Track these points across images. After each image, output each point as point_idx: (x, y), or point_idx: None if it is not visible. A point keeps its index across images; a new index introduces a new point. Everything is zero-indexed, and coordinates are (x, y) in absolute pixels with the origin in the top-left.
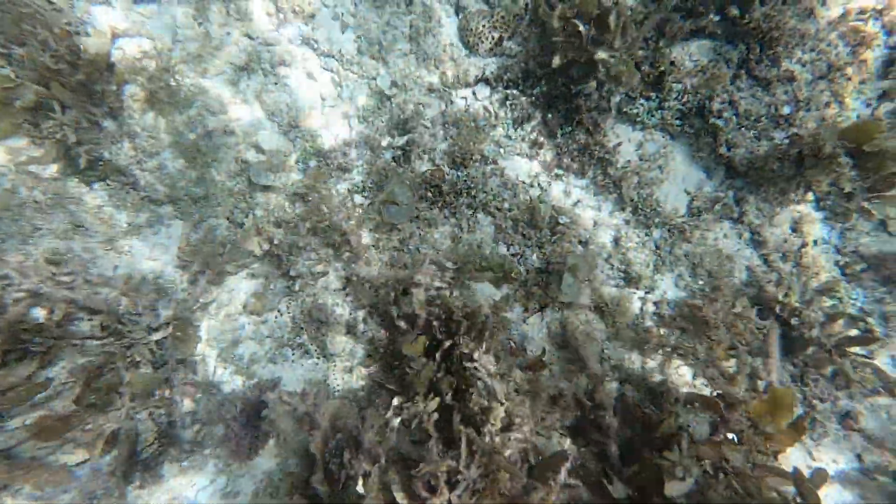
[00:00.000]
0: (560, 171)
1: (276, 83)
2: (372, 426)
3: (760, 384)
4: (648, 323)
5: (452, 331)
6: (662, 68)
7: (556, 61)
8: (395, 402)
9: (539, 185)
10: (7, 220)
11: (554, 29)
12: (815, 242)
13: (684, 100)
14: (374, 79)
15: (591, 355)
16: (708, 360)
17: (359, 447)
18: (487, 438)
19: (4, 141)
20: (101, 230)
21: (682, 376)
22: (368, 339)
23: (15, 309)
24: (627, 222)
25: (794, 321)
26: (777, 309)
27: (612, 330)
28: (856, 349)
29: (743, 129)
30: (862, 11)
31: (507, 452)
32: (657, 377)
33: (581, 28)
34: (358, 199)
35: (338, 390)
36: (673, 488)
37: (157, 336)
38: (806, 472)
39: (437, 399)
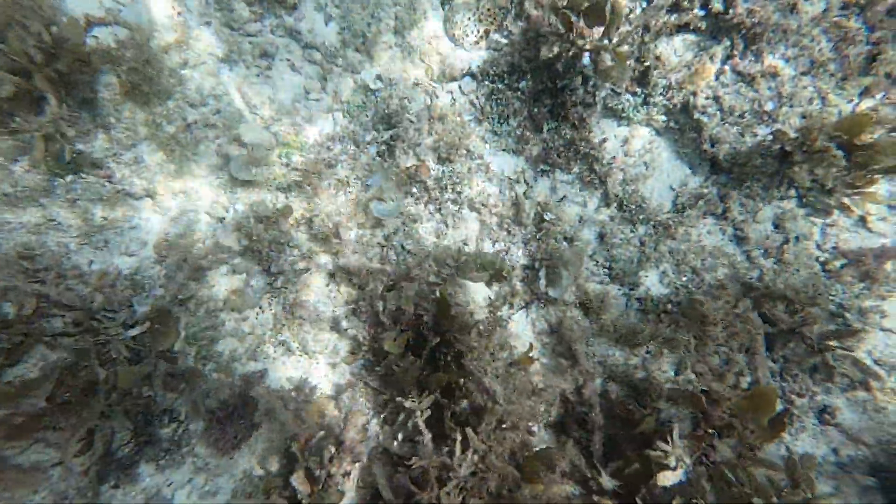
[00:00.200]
0: (546, 167)
1: (258, 75)
2: (355, 425)
3: (744, 381)
4: (639, 316)
5: (443, 328)
6: (648, 63)
7: (544, 53)
8: (380, 399)
9: (525, 180)
10: None
11: (543, 23)
12: (797, 238)
13: (669, 95)
14: (359, 72)
15: (583, 351)
16: (699, 354)
17: (340, 445)
18: (481, 437)
19: None
20: (76, 224)
21: (665, 372)
22: (352, 335)
23: None
24: (612, 218)
25: (775, 317)
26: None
27: (597, 326)
28: (836, 343)
29: (727, 124)
30: (844, 6)
31: (501, 451)
32: (640, 373)
33: (573, 20)
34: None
35: (320, 388)
36: (666, 478)
37: (134, 332)
38: None
39: (432, 397)
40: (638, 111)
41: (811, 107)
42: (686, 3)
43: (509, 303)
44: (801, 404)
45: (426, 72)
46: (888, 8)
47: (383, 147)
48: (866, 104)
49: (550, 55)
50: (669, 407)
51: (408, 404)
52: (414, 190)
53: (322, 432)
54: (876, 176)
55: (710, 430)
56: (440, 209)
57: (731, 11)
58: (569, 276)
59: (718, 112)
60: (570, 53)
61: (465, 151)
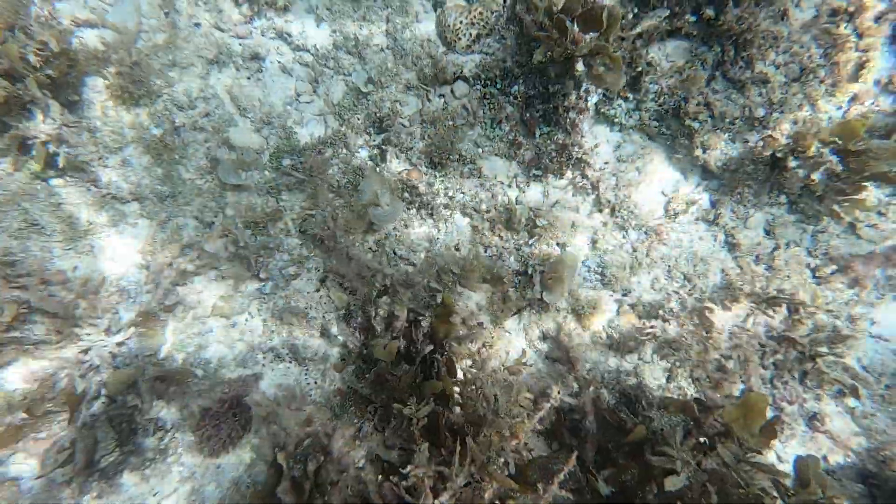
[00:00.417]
0: (538, 172)
1: (248, 77)
2: (343, 435)
3: (736, 389)
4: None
5: (441, 335)
6: (640, 69)
7: (537, 57)
8: (370, 406)
9: (517, 185)
10: None
11: (535, 27)
12: (787, 245)
13: (661, 101)
14: (350, 75)
15: (580, 358)
16: (699, 361)
17: (328, 455)
18: (480, 447)
19: None
20: (60, 229)
21: (657, 379)
22: (342, 342)
23: None
24: (605, 224)
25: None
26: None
27: (591, 331)
28: (826, 349)
29: (718, 130)
30: (833, 14)
31: (499, 461)
32: (632, 380)
33: (567, 24)
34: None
35: (310, 395)
36: (672, 483)
37: (119, 337)
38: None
39: (430, 405)
40: (630, 116)
41: (801, 113)
42: (678, 8)
43: (502, 308)
44: (791, 411)
45: (418, 75)
46: (876, 15)
47: (375, 151)
48: (855, 111)
49: (543, 59)
50: (661, 416)
51: (406, 412)
52: (406, 195)
53: (308, 440)
54: (864, 183)
55: (702, 438)
56: (432, 214)
57: (721, 18)
58: (564, 282)
59: (710, 118)
60: (564, 58)
61: (457, 156)
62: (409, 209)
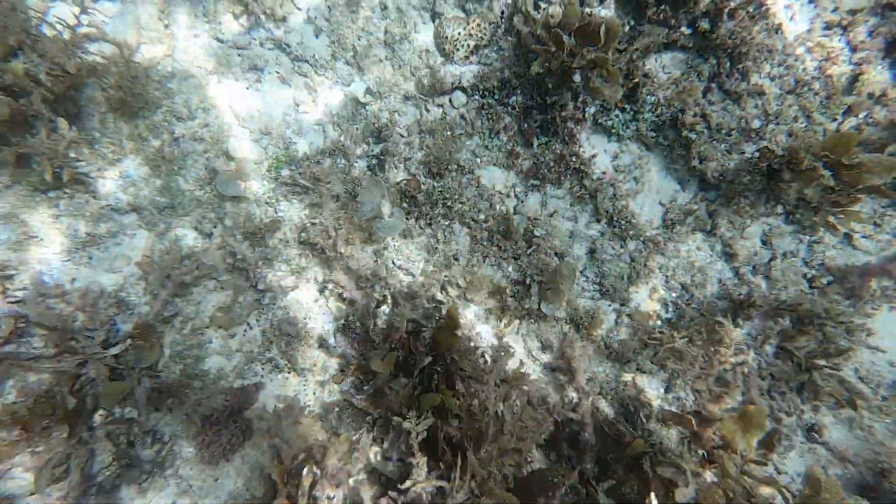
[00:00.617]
0: (536, 182)
1: (247, 88)
2: (336, 451)
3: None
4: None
5: (443, 348)
6: (637, 80)
7: (535, 69)
8: (368, 419)
9: (515, 195)
10: None
11: (532, 40)
12: (784, 255)
13: (658, 112)
14: (349, 85)
15: (581, 370)
16: (703, 373)
17: (323, 470)
18: (481, 462)
19: None
20: (58, 241)
21: (656, 389)
22: (340, 353)
23: None
24: (603, 234)
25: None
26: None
27: (589, 339)
28: (823, 362)
29: (715, 141)
30: (827, 27)
31: (500, 477)
32: (631, 390)
33: (564, 38)
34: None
35: (309, 406)
36: (682, 494)
37: (115, 350)
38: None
39: (430, 419)
40: (627, 127)
41: (796, 125)
42: (674, 21)
43: (499, 318)
44: (788, 423)
45: (416, 85)
46: (870, 29)
47: (374, 161)
48: (849, 123)
49: (541, 71)
50: (660, 428)
51: (406, 425)
52: (405, 204)
53: (303, 455)
54: (860, 195)
55: (700, 451)
56: (431, 224)
57: (717, 31)
58: (562, 293)
59: (706, 129)
60: (561, 70)
61: (455, 166)
62: (407, 219)
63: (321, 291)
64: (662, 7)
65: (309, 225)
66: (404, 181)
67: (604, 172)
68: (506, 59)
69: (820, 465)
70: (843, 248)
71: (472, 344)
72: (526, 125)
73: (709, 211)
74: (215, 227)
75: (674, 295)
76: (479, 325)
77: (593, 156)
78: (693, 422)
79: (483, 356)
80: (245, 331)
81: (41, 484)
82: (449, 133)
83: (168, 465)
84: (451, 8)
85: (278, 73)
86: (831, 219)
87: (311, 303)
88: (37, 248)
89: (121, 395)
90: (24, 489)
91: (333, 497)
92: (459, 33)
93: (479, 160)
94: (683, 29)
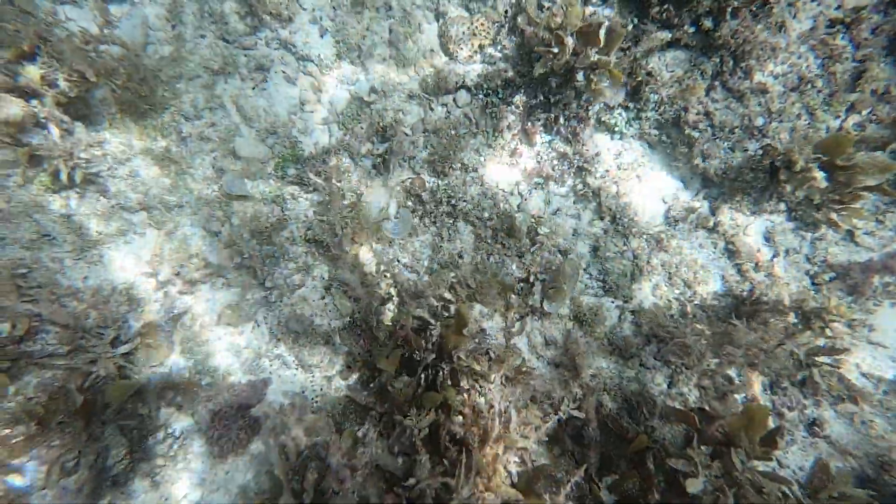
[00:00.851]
0: (540, 180)
1: (253, 88)
2: (339, 448)
3: (738, 398)
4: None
5: (450, 346)
6: (640, 79)
7: (538, 71)
8: (372, 415)
9: (519, 193)
10: None
11: (535, 40)
12: (787, 252)
13: (661, 110)
14: (354, 84)
15: (586, 366)
16: (712, 371)
17: (327, 468)
18: (486, 460)
19: None
20: (70, 239)
21: (659, 385)
22: (346, 350)
23: None
24: (606, 231)
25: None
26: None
27: (591, 336)
28: (823, 359)
29: (718, 139)
30: (831, 24)
31: (504, 474)
32: (634, 385)
33: (567, 40)
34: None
35: (316, 402)
36: (693, 485)
37: (124, 349)
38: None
39: (431, 415)
40: (630, 125)
41: (800, 122)
42: (677, 20)
43: (504, 315)
44: (790, 417)
45: (420, 84)
46: (873, 27)
47: (378, 160)
48: (853, 120)
49: (544, 72)
50: (662, 425)
51: (407, 423)
52: (409, 203)
53: (308, 451)
54: (862, 193)
55: (703, 447)
56: (435, 222)
57: (720, 29)
58: (565, 292)
59: (709, 127)
60: (565, 70)
61: (459, 164)
62: (412, 217)
63: (327, 289)
64: (666, 6)
65: (315, 223)
66: (409, 180)
67: (607, 170)
68: (509, 58)
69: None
70: (845, 245)
71: (478, 342)
72: (529, 124)
73: (711, 208)
74: (223, 225)
75: (676, 292)
76: (484, 322)
77: (596, 154)
78: (696, 419)
79: (488, 353)
80: (253, 328)
81: (51, 479)
82: (453, 132)
83: (180, 458)
84: (455, 7)
85: (284, 72)
86: (833, 216)
87: (318, 300)
88: (50, 246)
89: (127, 393)
90: (40, 482)
91: (339, 492)
92: (463, 33)
93: (483, 158)
94: (686, 27)
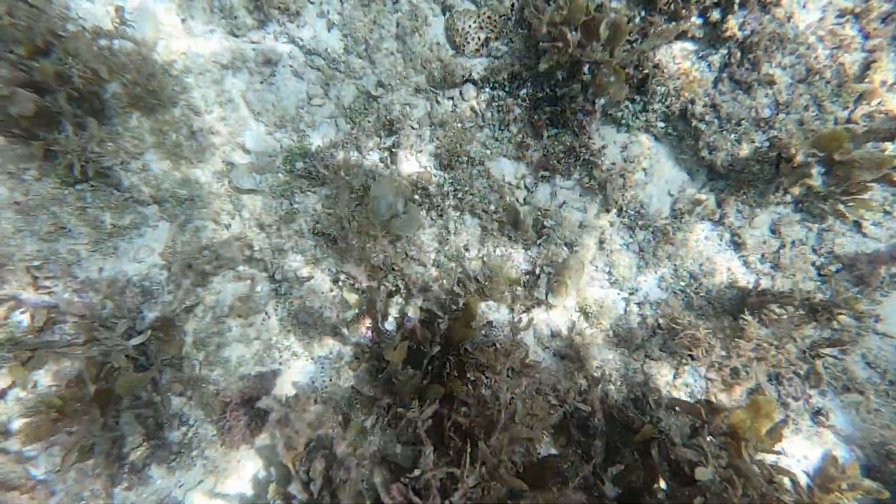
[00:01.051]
0: (546, 173)
1: (261, 82)
2: (344, 438)
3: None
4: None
5: (458, 338)
6: (647, 71)
7: (543, 66)
8: (379, 406)
9: (525, 186)
10: None
11: (541, 34)
12: (793, 244)
13: (668, 102)
14: (361, 78)
15: (591, 358)
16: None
17: (333, 457)
18: (492, 450)
19: None
20: (86, 232)
21: (664, 376)
22: (355, 341)
23: None
24: (612, 224)
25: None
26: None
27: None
28: (827, 351)
29: (724, 132)
30: (840, 15)
31: (509, 464)
32: (640, 377)
33: (569, 35)
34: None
35: (326, 391)
36: (702, 474)
37: (136, 341)
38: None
39: (433, 406)
40: (637, 118)
41: (807, 114)
42: (684, 11)
43: (510, 308)
44: (795, 407)
45: (427, 78)
46: (883, 16)
47: (386, 153)
48: (861, 111)
49: (549, 66)
50: (668, 416)
51: (410, 415)
52: (416, 196)
53: (313, 443)
54: (870, 183)
55: (710, 438)
56: (442, 215)
57: (727, 21)
58: (570, 285)
59: (716, 119)
60: (571, 63)
61: (466, 158)
62: (419, 210)
63: (335, 281)
64: None
65: (324, 216)
66: (416, 173)
67: (613, 163)
68: (516, 51)
69: (826, 449)
70: (852, 236)
71: (485, 333)
72: (536, 117)
73: (718, 200)
74: (233, 218)
75: (682, 283)
76: (491, 314)
77: (603, 147)
78: (702, 411)
79: (495, 346)
80: (263, 319)
81: (66, 465)
82: (460, 125)
83: (195, 446)
84: (462, 1)
85: (291, 66)
86: (840, 207)
87: (327, 292)
88: (66, 238)
89: (137, 386)
90: (56, 469)
91: (346, 481)
92: (470, 25)
93: (489, 152)
94: (694, 19)
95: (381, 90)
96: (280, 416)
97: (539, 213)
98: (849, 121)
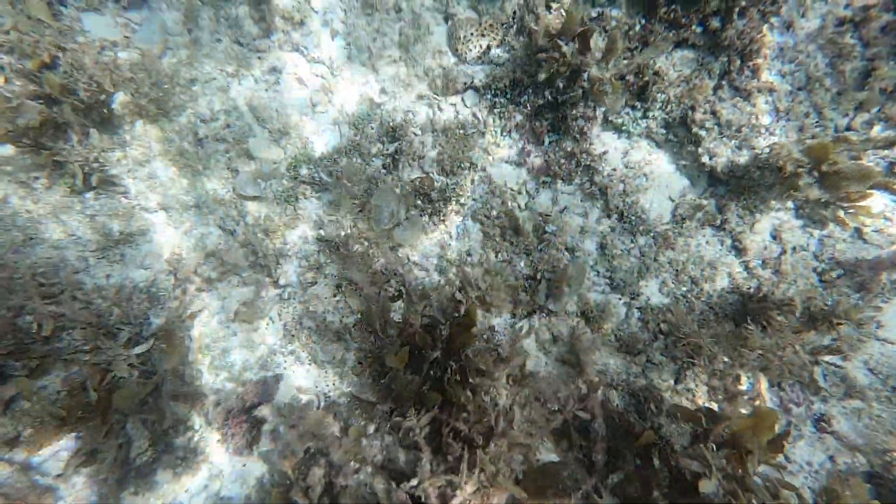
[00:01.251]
0: (547, 178)
1: (266, 89)
2: (341, 445)
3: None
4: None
5: (458, 344)
6: (647, 79)
7: (542, 76)
8: (382, 410)
9: (527, 192)
10: None
11: (539, 45)
12: (794, 249)
13: (668, 109)
14: (364, 85)
15: (591, 363)
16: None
17: (331, 464)
18: (491, 458)
19: None
20: (94, 239)
21: (665, 381)
22: (358, 346)
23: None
24: (613, 229)
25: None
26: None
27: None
28: (827, 358)
29: (725, 138)
30: (840, 23)
31: (508, 472)
32: (641, 381)
33: (565, 48)
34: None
35: (329, 396)
36: (706, 486)
37: (139, 349)
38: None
39: (430, 414)
40: (637, 124)
41: (807, 121)
42: (684, 20)
43: (511, 313)
44: (797, 413)
45: (430, 85)
46: (883, 25)
47: (388, 159)
48: (861, 119)
49: (547, 76)
50: (669, 422)
51: (407, 423)
52: (419, 202)
53: (311, 450)
54: (870, 190)
55: (711, 446)
56: (444, 220)
57: (727, 29)
58: (570, 291)
59: (716, 126)
60: (569, 72)
61: (468, 163)
62: (421, 216)
63: (338, 287)
64: (673, 6)
65: (326, 222)
66: (418, 179)
67: (614, 169)
68: (517, 58)
69: (829, 455)
70: (853, 242)
71: (487, 338)
72: (537, 123)
73: (718, 206)
74: (238, 224)
75: (683, 289)
76: (493, 319)
77: (604, 153)
78: (703, 419)
79: (498, 351)
80: (268, 324)
81: (68, 470)
82: (461, 131)
83: (200, 451)
84: (464, 9)
85: (296, 74)
86: (841, 213)
87: (331, 297)
88: (75, 246)
89: (134, 399)
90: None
91: (346, 486)
92: (472, 34)
93: (490, 158)
94: (694, 27)
95: (384, 97)
96: (272, 428)
97: (541, 219)
98: (849, 128)
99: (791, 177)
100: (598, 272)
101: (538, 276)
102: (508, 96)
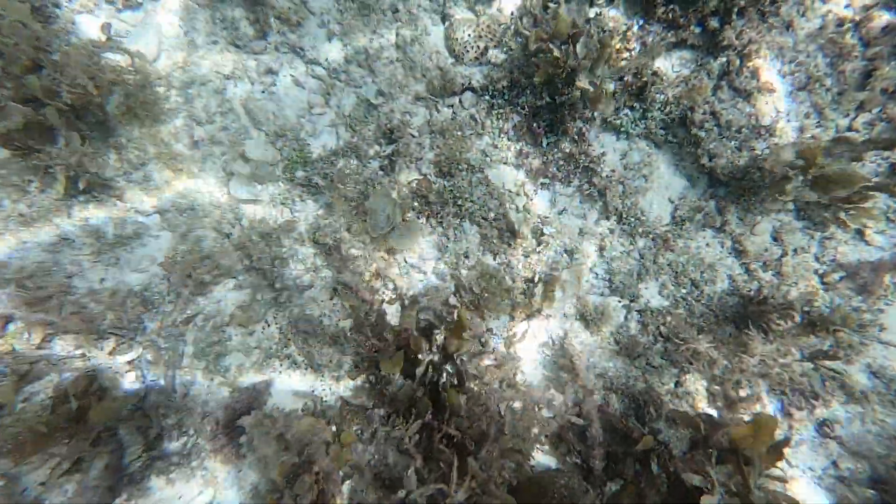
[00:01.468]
0: (546, 180)
1: (262, 91)
2: (328, 453)
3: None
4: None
5: (452, 350)
6: (646, 79)
7: (537, 79)
8: (376, 415)
9: (525, 193)
10: None
11: (532, 50)
12: (795, 251)
13: (667, 110)
14: (361, 87)
15: (584, 367)
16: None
17: (319, 472)
18: (481, 465)
19: None
20: (88, 242)
21: (665, 385)
22: (354, 350)
23: None
24: (612, 231)
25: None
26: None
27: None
28: (825, 364)
29: (724, 139)
30: (840, 23)
31: (500, 480)
32: (640, 384)
33: (556, 52)
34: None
35: (326, 400)
36: (709, 501)
37: (127, 357)
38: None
39: (419, 422)
40: (636, 125)
41: (808, 121)
42: (682, 20)
43: (510, 316)
44: (800, 417)
45: (427, 86)
46: (884, 24)
47: (385, 161)
48: (862, 119)
49: (542, 79)
50: (668, 427)
51: (396, 433)
52: (416, 204)
53: (301, 458)
54: (872, 192)
55: (710, 452)
56: (441, 223)
57: (726, 29)
58: (565, 296)
59: (716, 127)
60: (566, 74)
61: (465, 165)
62: (418, 218)
63: (335, 290)
64: (671, 6)
65: (322, 225)
66: (415, 181)
67: (612, 170)
68: (515, 59)
69: (832, 460)
70: (855, 244)
71: (483, 343)
72: (535, 124)
73: (718, 207)
74: (233, 227)
75: (683, 291)
76: (491, 322)
77: (602, 154)
78: (701, 426)
79: (493, 354)
80: (263, 328)
81: (51, 480)
82: (459, 133)
83: (194, 457)
84: (461, 10)
85: (292, 76)
86: (842, 215)
87: (327, 300)
88: (69, 249)
89: (113, 416)
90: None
91: (339, 492)
92: (469, 34)
93: (488, 159)
94: (693, 28)
95: (381, 99)
96: (246, 441)
97: (538, 221)
98: (850, 129)
99: (782, 179)
100: (597, 274)
101: (535, 279)
102: (506, 97)
